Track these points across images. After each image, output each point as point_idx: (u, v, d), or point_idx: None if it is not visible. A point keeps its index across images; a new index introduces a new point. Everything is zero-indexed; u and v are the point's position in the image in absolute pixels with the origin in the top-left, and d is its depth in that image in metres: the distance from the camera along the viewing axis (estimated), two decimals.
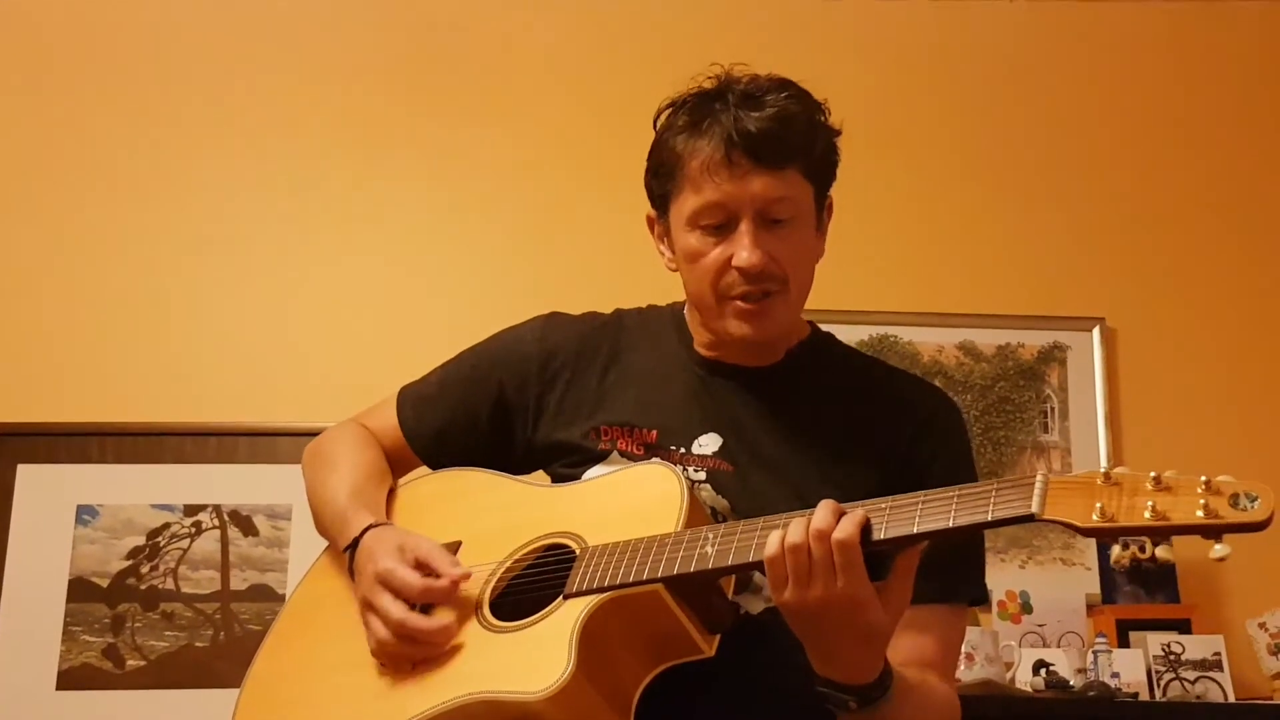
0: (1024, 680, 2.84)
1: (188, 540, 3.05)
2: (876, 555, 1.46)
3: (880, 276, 3.24)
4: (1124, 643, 2.98)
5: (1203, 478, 1.25)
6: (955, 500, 1.41)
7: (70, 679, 2.95)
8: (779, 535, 1.46)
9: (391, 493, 1.89)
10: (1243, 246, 3.44)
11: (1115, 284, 3.38)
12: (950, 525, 1.39)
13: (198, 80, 3.32)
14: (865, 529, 1.44)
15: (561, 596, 1.57)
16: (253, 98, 3.32)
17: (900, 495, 1.46)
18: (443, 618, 1.63)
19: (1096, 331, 3.32)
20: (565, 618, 1.54)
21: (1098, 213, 3.42)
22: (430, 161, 3.33)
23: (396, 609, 1.62)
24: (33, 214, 3.22)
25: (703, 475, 1.74)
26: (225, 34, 3.36)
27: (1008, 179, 3.43)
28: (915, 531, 1.43)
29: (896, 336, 3.26)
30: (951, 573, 1.71)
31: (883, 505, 1.46)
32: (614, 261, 3.08)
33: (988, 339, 3.31)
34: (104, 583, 3.01)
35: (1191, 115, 3.51)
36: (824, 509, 1.46)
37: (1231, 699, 2.89)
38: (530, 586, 1.64)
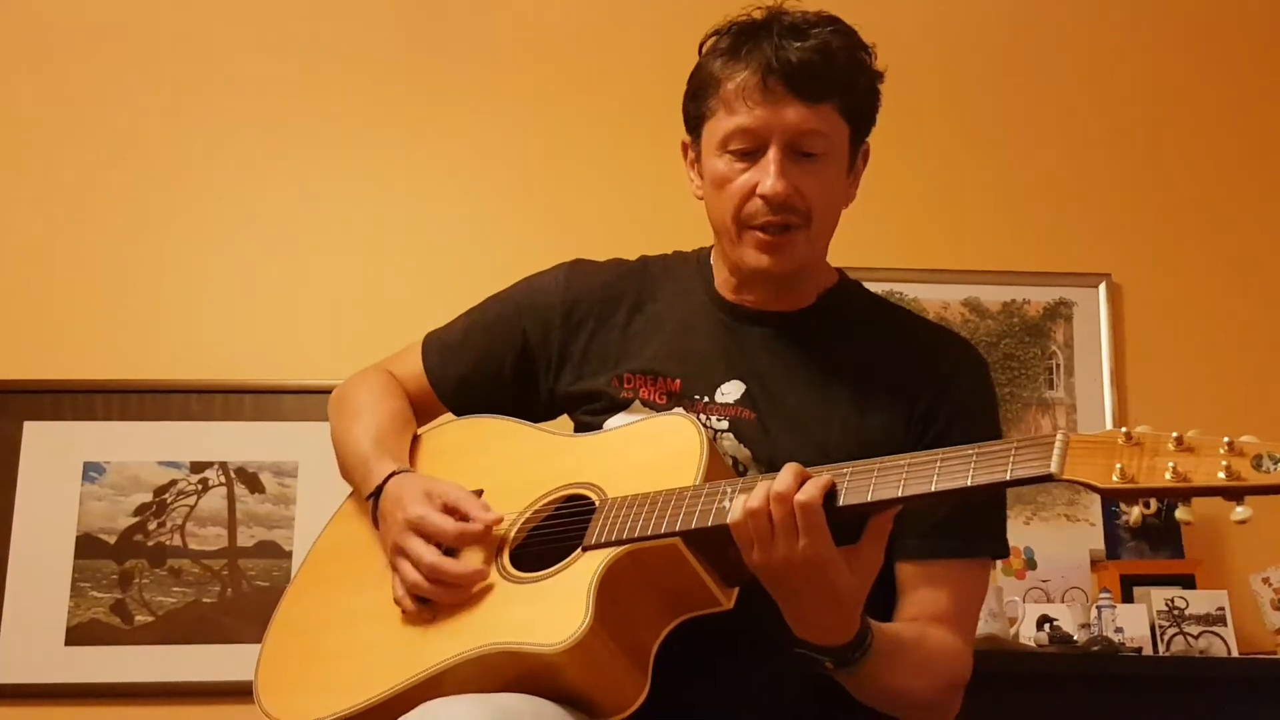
0: (1028, 635, 2.85)
1: (194, 497, 3.05)
2: (851, 518, 1.48)
3: (886, 233, 3.22)
4: (1128, 598, 2.98)
5: (1225, 439, 1.24)
6: (974, 459, 1.40)
7: (79, 635, 2.96)
8: (743, 500, 1.47)
9: (415, 440, 1.90)
10: (1249, 203, 3.43)
11: (1121, 240, 3.36)
12: (969, 484, 1.39)
13: (206, 49, 3.30)
14: (830, 493, 1.46)
15: (580, 548, 1.58)
16: (259, 67, 3.30)
17: (885, 458, 1.47)
18: (473, 561, 1.65)
19: (1102, 288, 3.31)
20: (584, 570, 1.55)
21: (1104, 168, 3.41)
22: (438, 127, 3.31)
23: (430, 553, 1.64)
24: (41, 174, 3.21)
25: (725, 424, 1.75)
26: (239, 5, 3.33)
27: (1014, 135, 3.41)
28: (876, 498, 1.44)
29: (902, 293, 3.25)
30: (970, 527, 1.72)
31: (854, 468, 1.47)
32: (621, 239, 3.05)
33: (993, 295, 3.30)
34: (111, 539, 3.01)
35: (1199, 71, 3.49)
36: (786, 472, 1.47)
37: (1235, 653, 2.90)
38: (550, 537, 1.66)
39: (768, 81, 1.67)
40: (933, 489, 1.42)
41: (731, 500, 1.50)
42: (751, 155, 1.71)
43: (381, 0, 3.36)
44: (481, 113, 3.32)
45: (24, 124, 3.23)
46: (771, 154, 1.69)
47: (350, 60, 3.33)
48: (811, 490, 1.45)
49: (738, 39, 1.73)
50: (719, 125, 1.73)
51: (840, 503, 1.46)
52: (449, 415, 1.96)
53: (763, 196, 1.70)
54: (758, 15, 1.75)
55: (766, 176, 1.69)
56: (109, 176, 3.21)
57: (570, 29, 3.38)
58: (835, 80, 1.70)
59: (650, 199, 3.11)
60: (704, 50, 1.78)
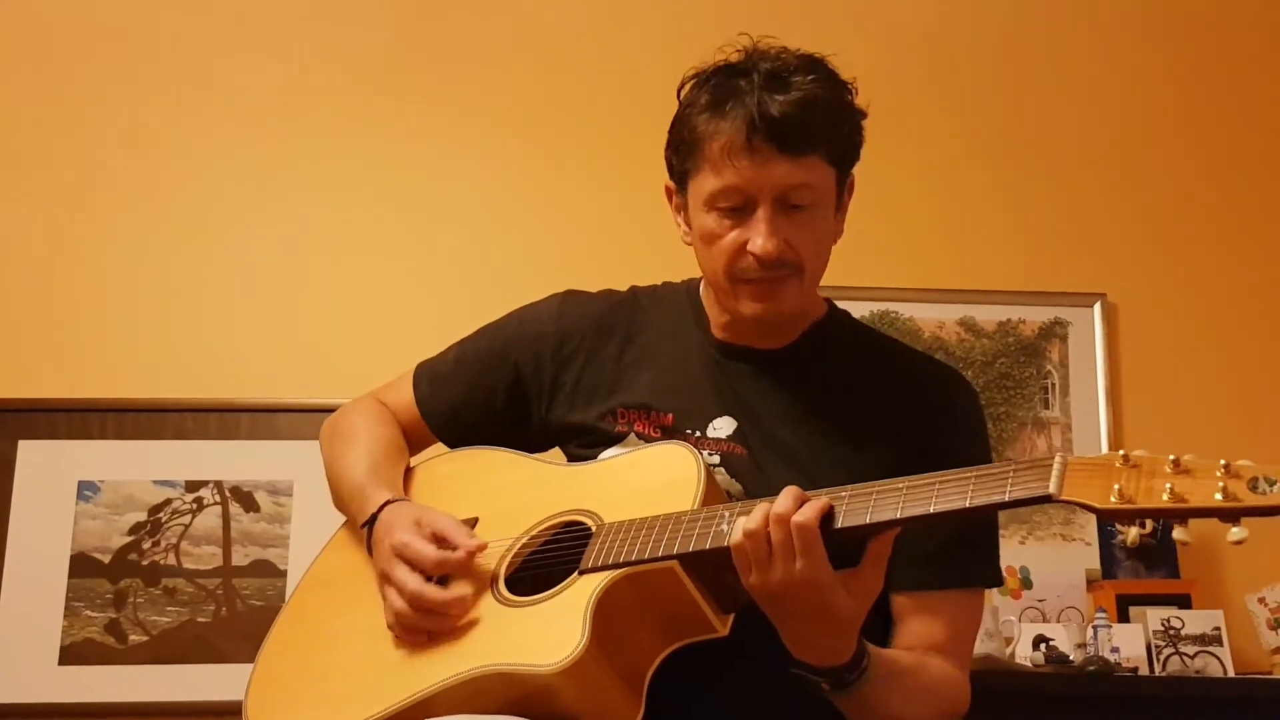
0: (1024, 655, 2.85)
1: (189, 516, 3.05)
2: (852, 541, 1.48)
3: (882, 252, 3.23)
4: (1124, 618, 2.98)
5: (1222, 461, 1.25)
6: (973, 480, 1.41)
7: (72, 654, 2.95)
8: (742, 522, 1.48)
9: (409, 471, 1.90)
10: (1244, 222, 3.43)
11: (1116, 260, 3.37)
12: (968, 505, 1.40)
13: (204, 59, 3.30)
14: (828, 515, 1.46)
15: (577, 572, 1.58)
16: (259, 78, 3.30)
17: (883, 481, 1.48)
18: (458, 589, 1.64)
19: (1098, 307, 3.32)
20: (580, 593, 1.55)
21: (1099, 188, 3.42)
22: (436, 144, 3.31)
23: (413, 580, 1.63)
24: (35, 191, 3.20)
25: (717, 459, 1.75)
26: (234, 12, 3.33)
27: (1009, 154, 3.42)
28: (874, 520, 1.45)
29: (897, 312, 3.26)
30: (965, 557, 1.72)
31: (851, 491, 1.48)
32: (622, 247, 3.08)
33: (988, 315, 3.31)
34: (106, 558, 3.00)
35: (1194, 91, 3.50)
36: (785, 495, 1.48)
37: (1231, 673, 2.90)
38: (546, 563, 1.66)
39: (753, 141, 1.66)
40: (931, 510, 1.42)
41: (730, 523, 1.51)
42: (740, 211, 1.70)
43: (380, 5, 3.36)
44: (481, 119, 3.32)
45: (17, 140, 3.22)
46: (761, 212, 1.68)
47: (348, 67, 3.32)
48: (809, 512, 1.45)
49: (718, 92, 1.70)
50: (705, 183, 1.72)
51: (838, 525, 1.46)
52: (441, 446, 1.95)
53: (754, 255, 1.69)
54: (735, 59, 1.73)
55: (757, 235, 1.68)
56: (105, 195, 3.21)
57: (570, 32, 3.39)
58: (819, 131, 1.69)
59: (650, 203, 3.09)
60: (683, 99, 1.76)
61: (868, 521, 1.45)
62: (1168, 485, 1.26)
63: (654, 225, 2.88)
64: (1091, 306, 3.32)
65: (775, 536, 1.45)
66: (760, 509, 1.47)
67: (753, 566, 1.48)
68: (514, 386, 1.89)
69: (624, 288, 1.96)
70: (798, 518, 1.45)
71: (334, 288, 3.20)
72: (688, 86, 1.77)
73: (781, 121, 1.65)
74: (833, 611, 1.48)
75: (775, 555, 1.46)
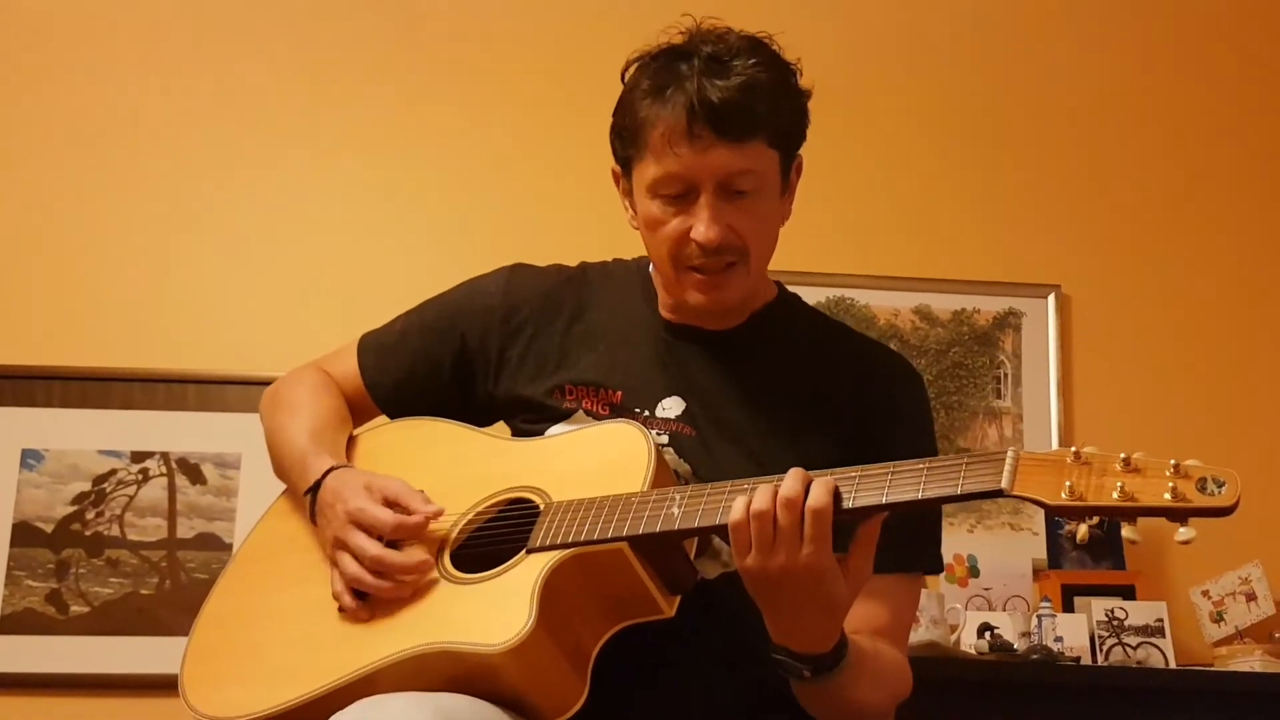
0: (968, 643, 2.87)
1: (134, 487, 3.01)
2: (840, 526, 1.47)
3: (837, 239, 3.23)
4: (1069, 608, 3.01)
5: (1172, 461, 1.26)
6: (925, 472, 1.41)
7: (12, 624, 2.91)
8: (744, 500, 1.46)
9: (352, 439, 1.87)
10: (1199, 215, 3.46)
11: (1071, 251, 3.39)
12: (919, 497, 1.40)
13: (166, 44, 3.26)
14: (835, 498, 1.44)
15: (524, 551, 1.57)
16: (218, 62, 3.26)
17: (869, 465, 1.46)
18: (417, 554, 1.62)
19: (1052, 299, 3.33)
20: (527, 572, 1.54)
21: (1055, 180, 3.43)
22: (387, 119, 3.29)
23: (373, 546, 1.61)
24: None
25: (665, 439, 1.74)
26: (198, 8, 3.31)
27: (967, 143, 3.43)
28: (884, 502, 1.43)
29: (852, 299, 3.26)
30: (908, 543, 1.72)
31: (852, 474, 1.46)
32: (583, 232, 3.05)
33: (943, 304, 3.32)
34: (49, 528, 2.97)
35: (1151, 83, 3.52)
36: (793, 477, 1.46)
37: (1173, 665, 2.93)
38: (492, 540, 1.64)
39: (693, 127, 1.64)
40: (884, 500, 1.42)
41: (680, 507, 1.50)
42: (682, 199, 1.69)
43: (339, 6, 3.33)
44: (438, 97, 3.30)
45: None
46: (703, 199, 1.67)
47: (319, 46, 3.30)
48: (824, 498, 1.43)
49: (659, 77, 1.69)
50: (647, 170, 1.70)
51: (847, 506, 1.45)
52: (384, 417, 1.93)
53: (697, 242, 1.68)
54: (678, 40, 1.71)
55: (699, 222, 1.67)
56: (52, 163, 3.16)
57: (541, 16, 3.36)
58: (760, 115, 1.67)
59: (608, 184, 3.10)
60: (627, 83, 1.75)
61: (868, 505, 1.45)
62: (1118, 484, 1.27)
63: (600, 214, 2.91)
64: (1046, 298, 3.34)
65: (782, 520, 1.43)
66: (766, 490, 1.45)
67: (754, 548, 1.45)
68: (460, 358, 1.87)
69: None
70: (812, 503, 1.43)
71: (285, 261, 3.17)
72: (631, 69, 1.75)
73: (721, 108, 1.63)
74: (831, 598, 1.47)
75: (780, 539, 1.44)
